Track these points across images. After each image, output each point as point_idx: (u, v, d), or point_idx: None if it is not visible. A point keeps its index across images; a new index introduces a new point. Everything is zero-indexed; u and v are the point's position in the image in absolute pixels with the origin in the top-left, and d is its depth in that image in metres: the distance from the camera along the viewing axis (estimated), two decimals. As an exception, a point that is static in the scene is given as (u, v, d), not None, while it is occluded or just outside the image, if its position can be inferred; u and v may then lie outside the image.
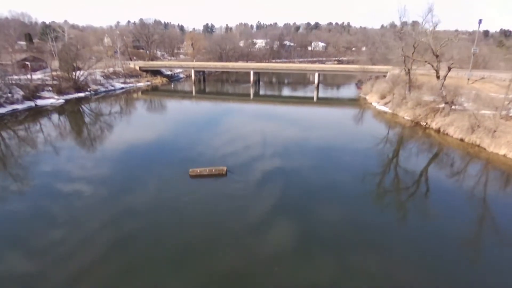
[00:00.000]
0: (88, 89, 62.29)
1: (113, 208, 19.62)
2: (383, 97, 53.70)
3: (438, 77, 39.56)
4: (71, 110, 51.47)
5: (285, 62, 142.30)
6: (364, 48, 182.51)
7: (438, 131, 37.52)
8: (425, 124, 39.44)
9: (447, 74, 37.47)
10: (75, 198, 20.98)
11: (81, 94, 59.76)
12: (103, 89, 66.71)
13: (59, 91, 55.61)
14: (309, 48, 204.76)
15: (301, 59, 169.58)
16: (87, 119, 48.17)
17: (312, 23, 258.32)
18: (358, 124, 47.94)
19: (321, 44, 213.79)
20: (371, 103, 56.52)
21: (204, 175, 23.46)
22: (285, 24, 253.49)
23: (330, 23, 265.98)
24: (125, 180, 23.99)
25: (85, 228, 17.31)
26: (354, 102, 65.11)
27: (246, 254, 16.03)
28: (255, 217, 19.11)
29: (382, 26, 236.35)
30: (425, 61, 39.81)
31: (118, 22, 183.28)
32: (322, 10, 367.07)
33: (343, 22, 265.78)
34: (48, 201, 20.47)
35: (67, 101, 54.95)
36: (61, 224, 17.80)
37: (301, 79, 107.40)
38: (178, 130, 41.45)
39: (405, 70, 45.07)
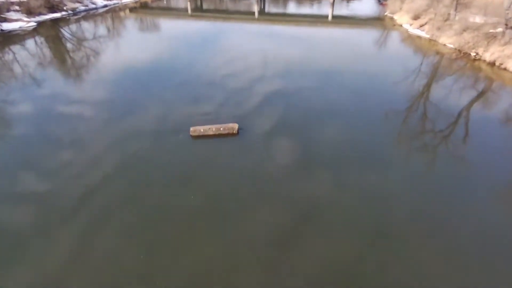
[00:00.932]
0: (64, 8, 52.47)
1: (115, 130, 19.34)
2: (417, 17, 44.77)
3: (505, -7, 30.93)
4: (48, 35, 43.52)
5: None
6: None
7: (492, 64, 30.65)
8: (474, 54, 32.25)
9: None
10: (77, 121, 20.42)
11: (57, 15, 50.27)
12: (82, 8, 56.53)
13: (29, 12, 46.34)
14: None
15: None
16: (69, 45, 41.06)
17: None
18: (383, 50, 40.66)
19: None
20: (401, 25, 47.72)
21: (209, 136, 18.03)
22: None
23: None
24: (123, 104, 22.98)
25: (91, 149, 17.27)
26: (378, 22, 55.68)
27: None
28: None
29: None
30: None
31: None
32: None
33: None
34: (50, 125, 19.97)
35: (40, 23, 46.14)
36: (67, 146, 17.64)
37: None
38: (174, 55, 35.72)
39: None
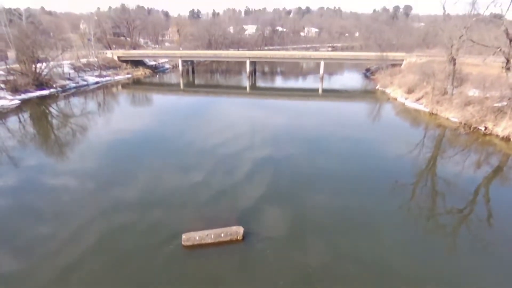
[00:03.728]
0: (54, 85, 51.34)
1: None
2: (410, 91, 44.87)
3: (508, 68, 30.65)
4: (32, 113, 41.48)
5: (278, 49, 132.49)
6: (357, 34, 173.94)
7: (506, 139, 29.00)
8: (484, 129, 30.74)
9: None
10: (61, 195, 19.80)
11: (45, 92, 48.90)
12: (73, 85, 55.80)
13: (15, 89, 44.75)
14: (302, 34, 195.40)
15: (294, 46, 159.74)
16: (55, 121, 39.39)
17: (303, 7, 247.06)
18: (379, 122, 40.25)
19: (313, 30, 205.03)
20: (395, 99, 47.57)
21: (207, 244, 14.12)
22: (274, 9, 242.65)
23: (322, 8, 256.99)
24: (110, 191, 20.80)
25: (73, 224, 16.49)
26: (370, 95, 56.08)
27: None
28: None
29: (374, 10, 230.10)
30: (498, 48, 30.58)
31: (98, 8, 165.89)
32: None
33: (335, 7, 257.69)
34: (33, 200, 19.09)
35: (24, 101, 44.23)
36: (48, 219, 17.01)
37: (294, 68, 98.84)
38: (167, 135, 33.19)
39: (449, 58, 36.05)
